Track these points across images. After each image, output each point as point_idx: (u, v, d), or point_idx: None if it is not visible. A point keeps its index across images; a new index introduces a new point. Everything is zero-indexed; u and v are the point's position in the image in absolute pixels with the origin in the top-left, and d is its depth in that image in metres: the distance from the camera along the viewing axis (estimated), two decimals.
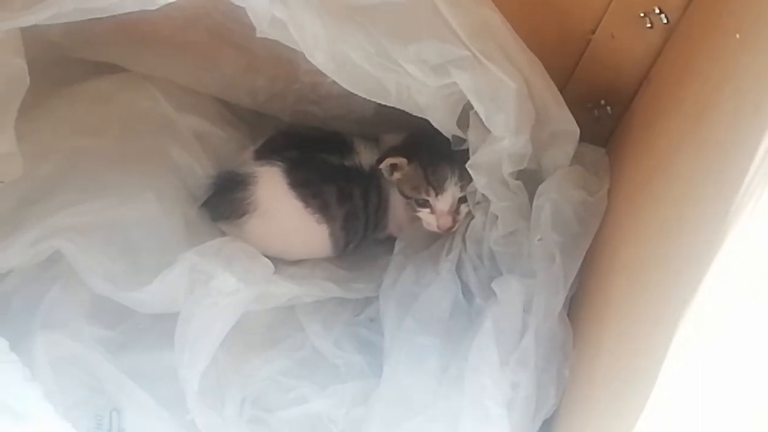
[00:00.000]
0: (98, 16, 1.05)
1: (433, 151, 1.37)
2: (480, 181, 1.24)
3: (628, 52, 1.30)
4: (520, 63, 1.18)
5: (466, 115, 1.24)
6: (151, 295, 1.21)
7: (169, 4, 1.02)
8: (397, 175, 1.43)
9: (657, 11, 1.22)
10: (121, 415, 1.15)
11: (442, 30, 1.13)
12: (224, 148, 1.55)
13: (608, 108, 1.38)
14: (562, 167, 1.27)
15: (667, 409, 0.71)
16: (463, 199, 1.38)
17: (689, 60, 1.12)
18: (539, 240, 1.21)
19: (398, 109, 1.23)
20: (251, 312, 1.29)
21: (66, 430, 1.01)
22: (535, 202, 1.24)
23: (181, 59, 1.46)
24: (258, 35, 1.09)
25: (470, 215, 1.36)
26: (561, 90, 1.24)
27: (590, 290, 1.18)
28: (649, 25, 1.24)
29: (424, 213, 1.41)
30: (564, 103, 1.23)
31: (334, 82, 1.17)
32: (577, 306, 1.19)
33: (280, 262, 1.39)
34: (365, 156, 1.46)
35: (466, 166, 1.25)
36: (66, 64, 1.43)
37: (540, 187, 1.25)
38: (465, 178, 1.32)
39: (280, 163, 1.41)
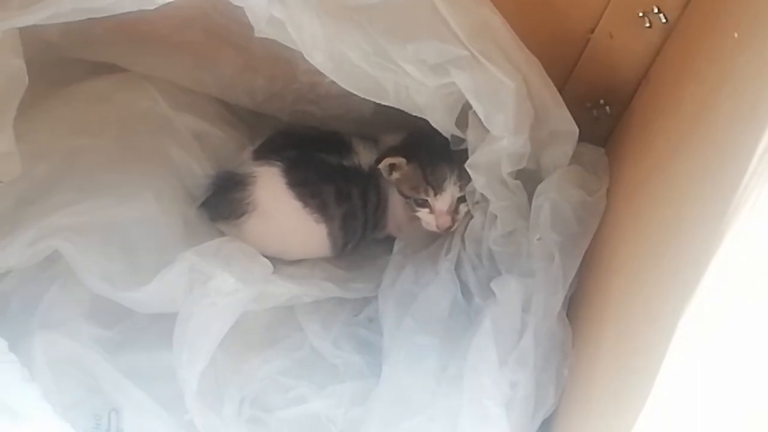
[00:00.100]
0: (96, 15, 1.05)
1: (432, 150, 1.37)
2: (479, 181, 1.24)
3: (626, 52, 1.30)
4: (518, 63, 1.18)
5: (464, 114, 1.24)
6: (149, 294, 1.21)
7: (168, 3, 1.02)
8: (395, 175, 1.43)
9: (656, 11, 1.22)
10: (119, 415, 1.15)
11: (440, 30, 1.13)
12: (223, 148, 1.55)
13: (607, 108, 1.38)
14: (561, 167, 1.27)
15: (667, 409, 0.71)
16: (462, 199, 1.38)
17: (688, 60, 1.12)
18: (538, 240, 1.21)
19: (397, 109, 1.23)
20: (250, 312, 1.29)
21: (64, 430, 1.01)
22: (534, 202, 1.24)
23: (180, 59, 1.46)
24: (256, 35, 1.09)
25: (469, 215, 1.36)
26: (560, 90, 1.24)
27: (589, 290, 1.18)
28: (647, 24, 1.24)
29: (423, 213, 1.41)
30: (563, 103, 1.23)
31: (333, 82, 1.17)
32: (576, 305, 1.19)
33: (278, 262, 1.39)
34: (364, 156, 1.46)
35: (465, 165, 1.25)
36: (64, 64, 1.43)
37: (539, 187, 1.25)
38: (464, 178, 1.32)
39: (278, 162, 1.41)
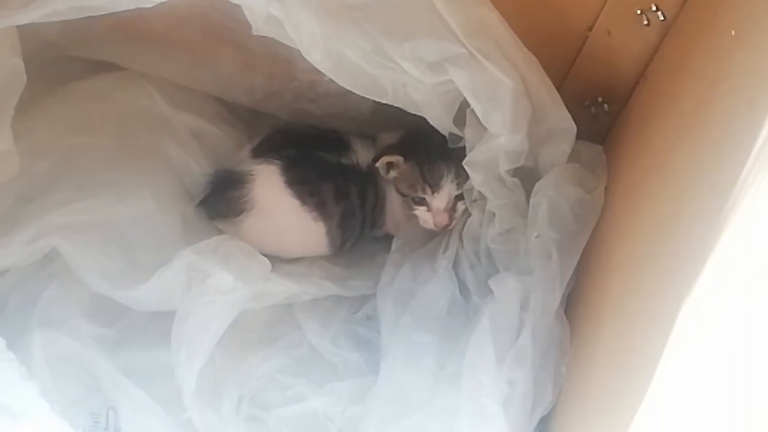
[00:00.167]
0: (94, 14, 1.05)
1: (429, 149, 1.37)
2: (477, 179, 1.24)
3: (624, 50, 1.30)
4: (516, 61, 1.18)
5: (462, 112, 1.24)
6: (147, 293, 1.21)
7: (165, 2, 1.02)
8: (393, 173, 1.43)
9: (654, 8, 1.22)
10: (117, 414, 1.15)
11: (438, 28, 1.13)
12: (221, 147, 1.55)
13: (605, 105, 1.38)
14: (558, 165, 1.27)
15: (664, 406, 0.71)
16: (459, 197, 1.38)
17: (685, 57, 1.12)
18: (536, 237, 1.21)
19: (395, 107, 1.23)
20: (248, 310, 1.29)
21: (63, 428, 1.01)
22: (531, 200, 1.24)
23: (178, 57, 1.46)
24: (254, 33, 1.09)
25: (467, 213, 1.36)
26: (558, 87, 1.24)
27: (587, 287, 1.18)
28: (645, 22, 1.24)
29: (420, 211, 1.41)
30: (560, 101, 1.23)
31: (331, 80, 1.17)
32: (574, 303, 1.19)
33: (277, 260, 1.39)
34: (362, 154, 1.46)
35: (463, 163, 1.25)
36: (63, 63, 1.43)
37: (537, 185, 1.25)
38: (462, 176, 1.32)
39: (277, 161, 1.41)
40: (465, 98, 1.17)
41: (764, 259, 0.61)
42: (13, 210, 1.25)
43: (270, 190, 1.41)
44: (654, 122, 1.17)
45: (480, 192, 1.27)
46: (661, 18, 1.22)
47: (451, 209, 1.39)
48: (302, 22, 1.07)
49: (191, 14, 1.33)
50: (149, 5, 1.03)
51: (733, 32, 0.90)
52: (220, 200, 1.43)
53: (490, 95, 1.15)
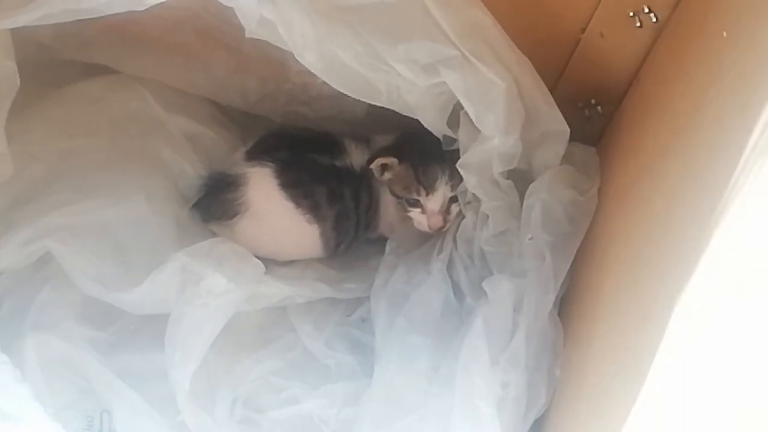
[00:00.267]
0: (87, 17, 1.06)
1: (423, 151, 1.37)
2: (470, 181, 1.24)
3: (617, 52, 1.30)
4: (509, 63, 1.18)
5: (456, 114, 1.24)
6: (141, 295, 1.21)
7: (158, 4, 1.02)
8: (387, 175, 1.43)
9: (646, 10, 1.22)
10: (111, 416, 1.15)
11: (431, 30, 1.13)
12: (215, 149, 1.55)
13: (599, 107, 1.39)
14: (552, 167, 1.27)
15: (657, 406, 0.71)
16: (453, 199, 1.38)
17: (678, 59, 1.12)
18: (530, 239, 1.21)
19: (389, 110, 1.23)
20: (242, 312, 1.29)
21: (56, 431, 1.01)
22: (525, 202, 1.25)
23: (171, 60, 1.46)
24: (247, 35, 1.09)
25: (461, 215, 1.36)
26: (551, 89, 1.25)
27: (581, 289, 1.18)
28: (638, 24, 1.24)
29: (415, 213, 1.41)
30: (554, 103, 1.24)
31: (325, 83, 1.17)
32: (568, 305, 1.19)
33: (271, 262, 1.39)
34: (356, 156, 1.46)
35: (457, 165, 1.25)
36: (57, 66, 1.43)
37: (530, 187, 1.26)
38: (455, 178, 1.32)
39: (271, 163, 1.41)
40: (458, 100, 1.17)
41: (755, 260, 0.61)
42: (7, 213, 1.25)
43: (264, 192, 1.41)
44: (647, 124, 1.17)
45: (474, 194, 1.27)
46: (654, 20, 1.22)
47: (445, 211, 1.39)
48: (295, 24, 1.07)
49: (184, 17, 1.33)
50: (141, 8, 1.03)
51: (725, 34, 0.91)
52: (214, 203, 1.43)
53: (483, 97, 1.15)
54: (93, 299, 1.22)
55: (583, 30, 1.30)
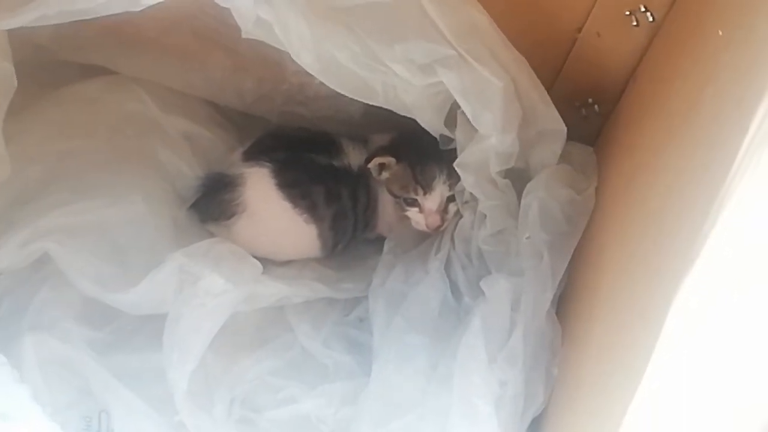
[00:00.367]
0: (83, 17, 1.06)
1: (421, 150, 1.37)
2: (468, 180, 1.24)
3: (614, 51, 1.30)
4: (506, 62, 1.18)
5: (453, 114, 1.24)
6: (139, 296, 1.21)
7: (154, 5, 1.02)
8: (385, 175, 1.43)
9: (643, 9, 1.22)
10: (110, 416, 1.15)
11: (428, 30, 1.13)
12: (212, 150, 1.55)
13: (596, 106, 1.39)
14: (549, 166, 1.27)
15: (655, 403, 0.71)
16: (451, 198, 1.38)
17: (674, 57, 1.12)
18: (527, 238, 1.21)
19: (386, 109, 1.24)
20: (240, 312, 1.29)
21: (55, 431, 1.01)
22: (522, 201, 1.25)
23: (168, 61, 1.46)
24: (243, 36, 1.09)
25: (459, 214, 1.37)
26: (548, 89, 1.25)
27: (578, 288, 1.18)
28: (635, 23, 1.24)
29: (412, 212, 1.42)
30: (551, 102, 1.24)
31: (322, 83, 1.17)
32: (566, 303, 1.19)
33: (268, 262, 1.39)
34: (353, 156, 1.46)
35: (454, 165, 1.25)
36: (54, 67, 1.43)
37: (528, 186, 1.26)
38: (453, 177, 1.33)
39: (268, 164, 1.41)
40: (455, 100, 1.17)
41: (752, 256, 0.61)
42: (5, 214, 1.25)
43: (261, 192, 1.41)
44: (643, 123, 1.17)
45: (471, 193, 1.27)
46: (650, 19, 1.22)
47: (443, 210, 1.39)
48: (291, 24, 1.07)
49: (182, 18, 1.33)
50: (137, 9, 1.03)
51: (720, 32, 0.91)
52: (212, 203, 1.43)
53: (480, 96, 1.16)
54: (91, 299, 1.22)
55: (580, 29, 1.30)
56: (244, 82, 1.50)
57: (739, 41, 0.84)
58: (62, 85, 1.46)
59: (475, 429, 1.05)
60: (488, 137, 1.19)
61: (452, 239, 1.35)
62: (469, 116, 1.18)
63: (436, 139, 1.31)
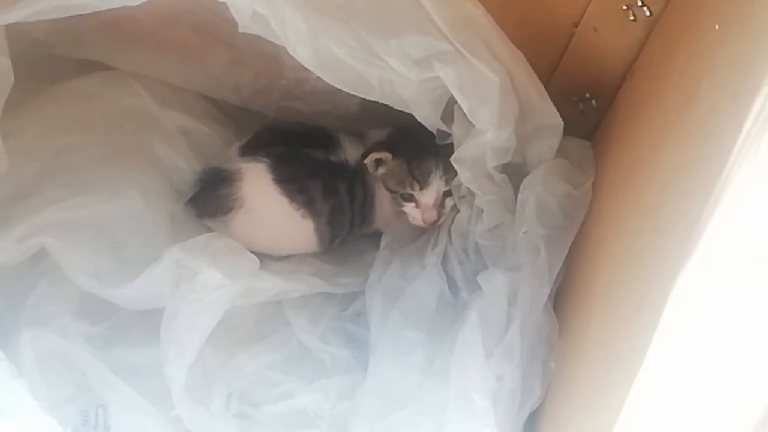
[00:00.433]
0: (80, 12, 1.06)
1: (417, 145, 1.37)
2: (465, 175, 1.24)
3: (611, 45, 1.30)
4: (503, 57, 1.18)
5: (450, 109, 1.24)
6: (136, 290, 1.21)
7: (151, 0, 1.02)
8: (382, 170, 1.43)
9: (640, 4, 1.22)
10: (107, 411, 1.15)
11: (425, 24, 1.13)
12: (210, 145, 1.55)
13: (593, 101, 1.39)
14: (546, 161, 1.27)
15: (652, 395, 0.71)
16: (448, 193, 1.38)
17: (671, 52, 1.12)
18: (524, 233, 1.21)
19: (383, 105, 1.23)
20: (237, 307, 1.29)
21: (52, 426, 1.01)
22: (519, 196, 1.25)
23: (166, 56, 1.46)
24: (240, 31, 1.09)
25: (455, 209, 1.37)
26: (545, 84, 1.25)
27: (575, 282, 1.18)
28: (632, 17, 1.24)
29: (409, 207, 1.42)
30: (548, 97, 1.24)
31: (319, 78, 1.17)
32: (563, 298, 1.19)
33: (266, 257, 1.39)
34: (350, 151, 1.46)
35: (451, 160, 1.25)
36: (52, 62, 1.43)
37: (525, 181, 1.26)
38: (450, 172, 1.33)
39: (265, 159, 1.41)
40: (452, 95, 1.17)
41: (748, 249, 0.61)
42: (2, 209, 1.25)
43: (258, 187, 1.41)
44: (640, 117, 1.17)
45: (468, 188, 1.27)
46: (648, 13, 1.22)
47: (440, 205, 1.39)
48: (288, 19, 1.07)
49: (179, 13, 1.34)
50: (134, 3, 1.03)
51: (717, 26, 0.91)
52: (209, 198, 1.43)
53: (476, 91, 1.15)
54: (88, 294, 1.22)
55: (577, 24, 1.30)
56: (241, 77, 1.50)
57: (735, 35, 0.84)
58: (59, 80, 1.46)
59: (472, 423, 1.05)
60: (485, 132, 1.19)
61: (449, 234, 1.34)
62: (465, 111, 1.17)
63: (432, 134, 1.31)
